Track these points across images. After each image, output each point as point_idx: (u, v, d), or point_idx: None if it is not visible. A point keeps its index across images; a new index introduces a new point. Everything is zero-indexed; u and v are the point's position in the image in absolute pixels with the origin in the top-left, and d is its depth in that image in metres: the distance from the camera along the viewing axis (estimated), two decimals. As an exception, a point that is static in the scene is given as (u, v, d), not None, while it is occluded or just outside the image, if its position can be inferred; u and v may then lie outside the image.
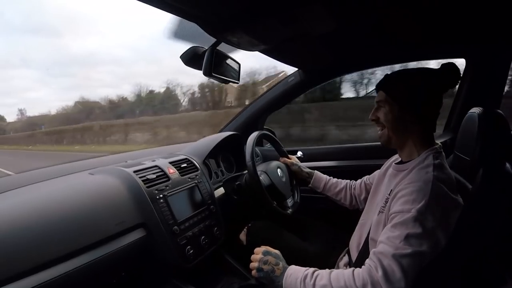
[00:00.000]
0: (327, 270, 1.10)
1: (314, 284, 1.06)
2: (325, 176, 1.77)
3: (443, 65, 1.22)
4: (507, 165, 1.20)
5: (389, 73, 1.26)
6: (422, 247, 0.99)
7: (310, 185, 1.77)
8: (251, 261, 1.22)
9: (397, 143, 1.25)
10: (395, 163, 1.31)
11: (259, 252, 1.22)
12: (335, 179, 1.76)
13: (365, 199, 1.56)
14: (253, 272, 1.20)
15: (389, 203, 1.13)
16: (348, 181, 1.73)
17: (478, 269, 1.21)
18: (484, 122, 1.17)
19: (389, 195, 1.17)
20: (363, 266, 1.04)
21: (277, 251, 1.23)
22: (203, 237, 1.43)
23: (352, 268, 1.06)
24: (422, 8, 1.17)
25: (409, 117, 1.18)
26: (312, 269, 1.11)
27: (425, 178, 1.07)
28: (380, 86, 1.25)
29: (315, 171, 1.79)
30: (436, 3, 1.13)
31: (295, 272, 1.13)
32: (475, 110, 1.23)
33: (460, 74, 1.21)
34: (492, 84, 1.83)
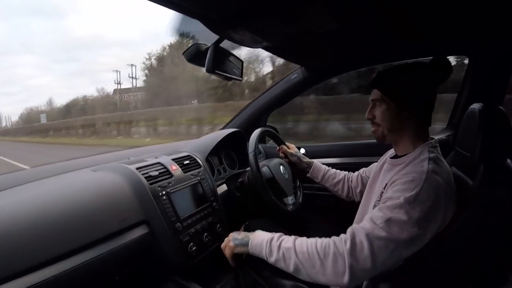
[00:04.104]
0: (292, 236, 1.11)
1: (279, 246, 1.08)
2: (324, 166, 1.77)
3: (433, 58, 1.23)
4: (508, 161, 1.20)
5: (381, 70, 1.25)
6: (402, 235, 0.98)
7: (308, 174, 1.77)
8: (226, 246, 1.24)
9: (392, 139, 1.25)
10: (389, 158, 1.31)
11: (227, 238, 1.24)
12: (334, 170, 1.76)
13: (361, 192, 1.57)
14: (230, 243, 1.21)
15: (383, 195, 1.12)
16: (346, 172, 1.74)
17: (480, 267, 1.21)
18: (484, 118, 1.17)
19: (383, 188, 1.17)
20: (335, 237, 1.04)
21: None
22: (205, 234, 1.44)
23: (319, 238, 1.06)
24: (425, 6, 1.17)
25: (406, 114, 1.18)
26: (278, 233, 1.13)
27: (420, 170, 1.07)
28: (374, 84, 1.24)
29: (314, 160, 1.79)
30: (438, 1, 1.13)
31: (262, 234, 1.16)
32: (476, 106, 1.23)
33: (452, 67, 1.21)
34: (495, 81, 1.82)
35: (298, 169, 1.81)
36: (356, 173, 1.70)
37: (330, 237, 1.07)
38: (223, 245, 1.25)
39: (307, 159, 1.79)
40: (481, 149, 1.16)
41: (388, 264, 1.00)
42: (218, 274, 1.61)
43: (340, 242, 1.01)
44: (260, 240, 1.13)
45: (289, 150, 1.83)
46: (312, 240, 1.06)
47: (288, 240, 1.09)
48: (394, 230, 0.98)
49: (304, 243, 1.06)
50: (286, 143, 1.87)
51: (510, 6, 1.18)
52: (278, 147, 1.87)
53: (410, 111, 1.17)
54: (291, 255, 1.04)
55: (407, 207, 0.99)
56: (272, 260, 1.09)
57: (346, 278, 0.97)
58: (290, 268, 1.05)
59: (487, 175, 1.12)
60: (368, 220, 1.03)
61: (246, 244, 1.17)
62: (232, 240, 1.21)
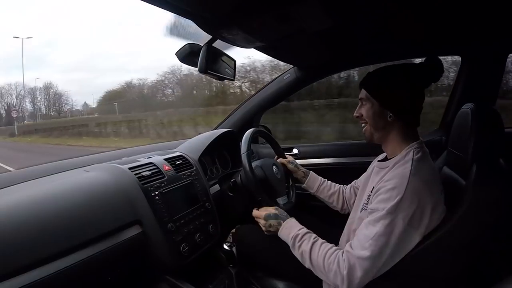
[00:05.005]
0: (313, 237, 1.24)
1: (299, 246, 1.22)
2: (319, 177, 1.78)
3: (426, 59, 1.26)
4: (501, 160, 1.21)
5: (371, 71, 1.29)
6: (389, 246, 1.06)
7: (304, 185, 1.77)
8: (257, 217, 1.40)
9: (379, 139, 1.28)
10: (378, 161, 1.36)
11: (260, 216, 1.37)
12: (329, 182, 1.77)
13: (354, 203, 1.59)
14: (263, 225, 1.37)
15: (370, 199, 1.18)
16: (341, 185, 1.75)
17: (474, 266, 1.22)
18: (476, 118, 1.18)
19: (371, 192, 1.21)
20: (339, 252, 1.15)
21: (275, 211, 1.37)
22: (198, 234, 1.44)
23: (333, 248, 1.19)
24: (418, 6, 1.17)
25: (389, 113, 1.21)
26: (305, 230, 1.27)
27: (402, 174, 1.11)
28: (362, 83, 1.29)
29: (311, 171, 1.79)
30: (433, 2, 1.14)
31: (291, 226, 1.30)
32: (468, 106, 1.24)
33: (443, 68, 1.25)
34: (488, 81, 1.84)
35: (294, 178, 1.81)
36: (349, 185, 1.72)
37: (324, 237, 1.12)
38: (256, 214, 1.41)
39: (303, 169, 1.79)
40: (474, 149, 1.17)
41: (383, 270, 1.10)
42: (211, 274, 1.60)
43: (342, 263, 1.11)
44: (287, 233, 1.28)
45: (286, 159, 1.82)
46: (324, 250, 1.18)
47: (307, 243, 1.21)
48: (380, 245, 1.07)
49: (316, 251, 1.18)
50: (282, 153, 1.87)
51: (503, 8, 1.19)
52: (275, 156, 1.87)
53: (394, 110, 1.20)
54: (306, 259, 1.20)
55: (390, 217, 1.06)
56: (293, 253, 1.25)
57: (345, 287, 1.10)
58: (305, 265, 1.21)
59: (480, 175, 1.13)
60: (357, 242, 1.13)
61: (275, 232, 1.33)
62: (266, 226, 1.35)
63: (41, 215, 1.04)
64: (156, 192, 1.34)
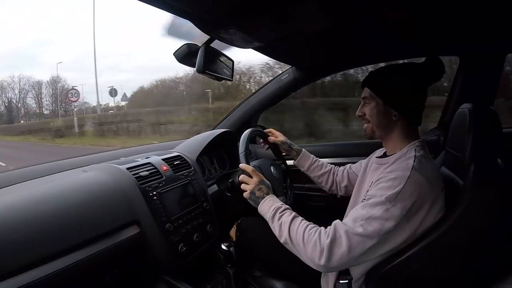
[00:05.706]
0: (295, 213, 1.22)
1: (280, 217, 1.20)
2: (312, 156, 1.77)
3: (427, 59, 1.26)
4: (499, 160, 1.21)
5: (373, 70, 1.29)
6: (380, 232, 1.03)
7: (295, 162, 1.77)
8: (244, 182, 1.36)
9: (380, 136, 1.28)
10: (376, 157, 1.35)
11: (256, 177, 1.34)
12: (322, 162, 1.77)
13: (346, 187, 1.63)
14: (246, 193, 1.33)
15: (368, 192, 1.16)
16: (333, 166, 1.75)
17: (471, 266, 1.22)
18: (474, 118, 1.18)
19: (369, 187, 1.20)
20: (321, 227, 1.13)
21: (269, 183, 1.36)
22: (196, 234, 1.44)
23: (311, 224, 1.16)
24: (417, 6, 1.17)
25: (393, 111, 1.21)
26: (286, 206, 1.26)
27: (405, 167, 1.10)
28: (365, 82, 1.28)
29: (303, 149, 1.78)
30: (430, 2, 1.14)
31: (274, 200, 1.29)
32: (466, 106, 1.24)
33: (444, 68, 1.25)
34: (486, 81, 1.84)
35: (288, 155, 1.80)
36: (342, 167, 1.71)
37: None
38: (242, 179, 1.37)
39: (296, 147, 1.77)
40: (472, 149, 1.17)
41: (363, 258, 1.07)
42: (208, 274, 1.60)
43: (324, 234, 1.09)
44: (269, 205, 1.26)
45: (278, 139, 1.79)
46: (304, 224, 1.15)
47: (289, 215, 1.20)
48: (373, 228, 1.04)
49: (298, 223, 1.16)
50: (272, 130, 1.84)
51: (501, 8, 1.20)
52: (264, 142, 1.83)
53: (398, 108, 1.20)
54: (284, 230, 1.16)
55: (388, 205, 1.04)
56: (270, 225, 1.22)
57: (322, 262, 1.05)
58: (281, 239, 1.18)
59: (478, 175, 1.13)
60: (350, 218, 1.09)
61: (256, 203, 1.30)
62: (255, 189, 1.31)
63: (39, 215, 1.04)
64: (154, 192, 1.34)
